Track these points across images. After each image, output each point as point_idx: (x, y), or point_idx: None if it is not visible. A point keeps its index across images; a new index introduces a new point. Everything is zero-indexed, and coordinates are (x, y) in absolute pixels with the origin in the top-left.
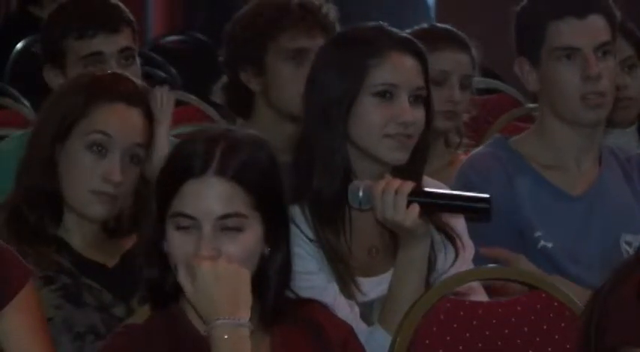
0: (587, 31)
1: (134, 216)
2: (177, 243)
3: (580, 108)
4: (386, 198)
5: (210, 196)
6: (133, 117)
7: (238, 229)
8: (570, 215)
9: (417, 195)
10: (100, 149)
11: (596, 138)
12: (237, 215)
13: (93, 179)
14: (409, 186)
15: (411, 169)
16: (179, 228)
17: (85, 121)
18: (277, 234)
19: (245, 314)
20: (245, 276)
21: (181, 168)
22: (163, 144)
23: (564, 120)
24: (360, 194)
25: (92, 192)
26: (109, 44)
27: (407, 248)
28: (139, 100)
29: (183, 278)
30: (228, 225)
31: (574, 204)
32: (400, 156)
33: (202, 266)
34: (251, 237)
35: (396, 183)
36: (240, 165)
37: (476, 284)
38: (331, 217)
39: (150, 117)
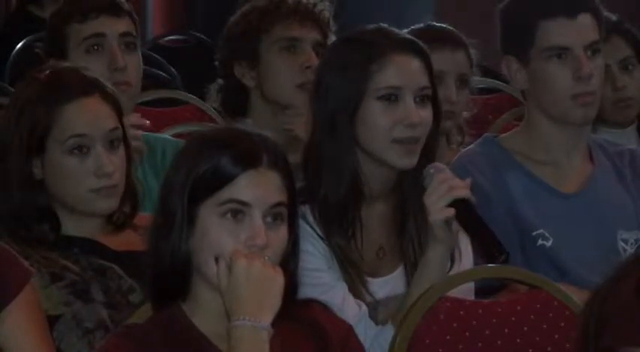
0: (577, 30)
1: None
2: (223, 232)
3: (570, 108)
4: (438, 187)
5: (265, 185)
6: (97, 106)
7: (282, 219)
8: (566, 213)
9: (463, 204)
10: (81, 150)
11: (584, 135)
12: (284, 204)
13: (87, 179)
14: (462, 191)
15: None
16: (225, 216)
17: (56, 129)
18: (290, 233)
19: (267, 319)
20: (279, 283)
21: (233, 163)
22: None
23: (553, 119)
24: (431, 171)
25: (92, 191)
26: (111, 26)
27: (426, 248)
28: (94, 87)
29: (222, 271)
30: (276, 213)
31: (569, 201)
32: (409, 162)
33: (238, 263)
34: (286, 230)
35: (456, 182)
36: (282, 159)
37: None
38: (340, 221)
39: (110, 99)
